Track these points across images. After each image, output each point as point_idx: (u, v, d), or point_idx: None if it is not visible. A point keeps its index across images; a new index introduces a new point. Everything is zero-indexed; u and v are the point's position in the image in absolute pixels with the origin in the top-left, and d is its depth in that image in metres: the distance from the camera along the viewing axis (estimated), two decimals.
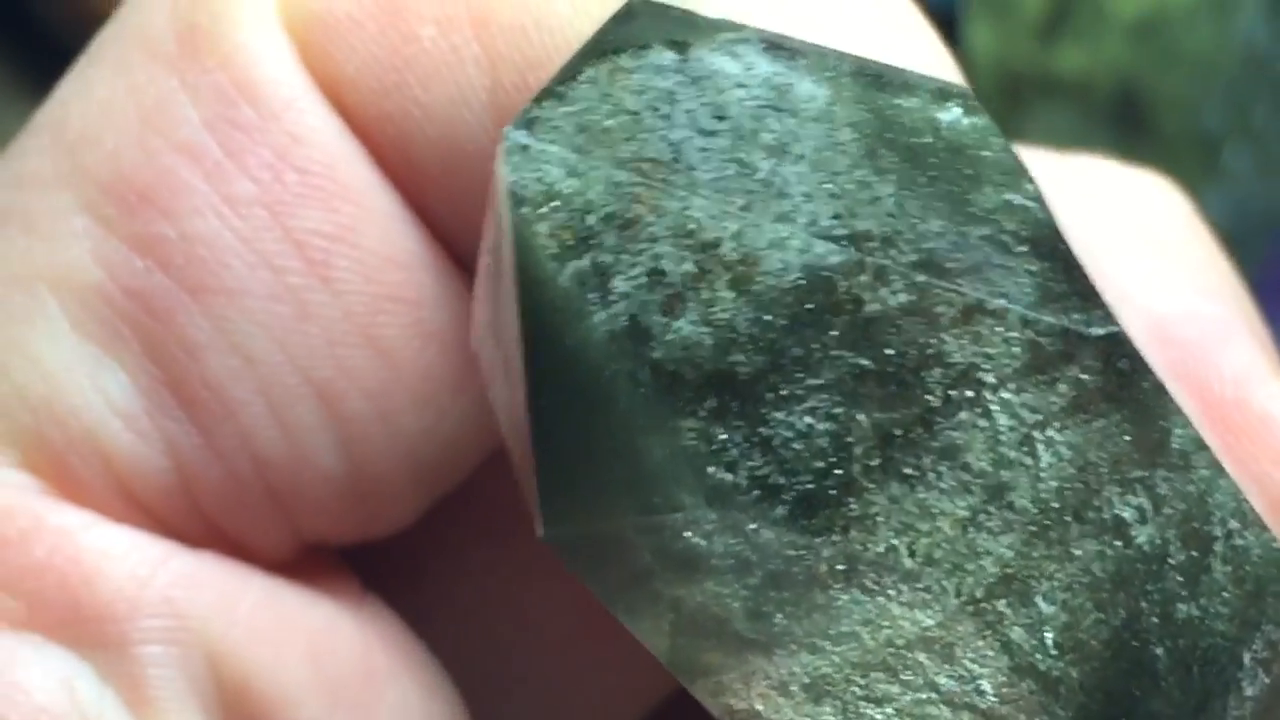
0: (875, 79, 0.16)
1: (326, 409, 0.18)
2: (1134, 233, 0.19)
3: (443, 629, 0.20)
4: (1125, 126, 0.57)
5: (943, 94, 0.16)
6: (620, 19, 0.16)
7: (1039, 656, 0.15)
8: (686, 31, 0.15)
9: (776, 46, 0.15)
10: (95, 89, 0.18)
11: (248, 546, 0.18)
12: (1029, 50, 0.58)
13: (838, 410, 0.15)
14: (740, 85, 0.15)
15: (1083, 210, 0.19)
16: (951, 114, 0.16)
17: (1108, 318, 0.15)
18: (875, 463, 0.15)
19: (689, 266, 0.15)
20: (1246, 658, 0.16)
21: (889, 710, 0.16)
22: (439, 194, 0.18)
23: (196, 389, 0.18)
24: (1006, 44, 0.58)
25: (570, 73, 0.15)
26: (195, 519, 0.18)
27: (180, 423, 0.18)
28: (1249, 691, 0.16)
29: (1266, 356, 0.19)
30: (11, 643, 0.18)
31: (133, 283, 0.18)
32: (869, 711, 0.16)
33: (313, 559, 0.19)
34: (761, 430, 0.15)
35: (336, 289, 0.18)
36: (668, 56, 0.15)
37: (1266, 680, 0.16)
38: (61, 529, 0.18)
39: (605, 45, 0.15)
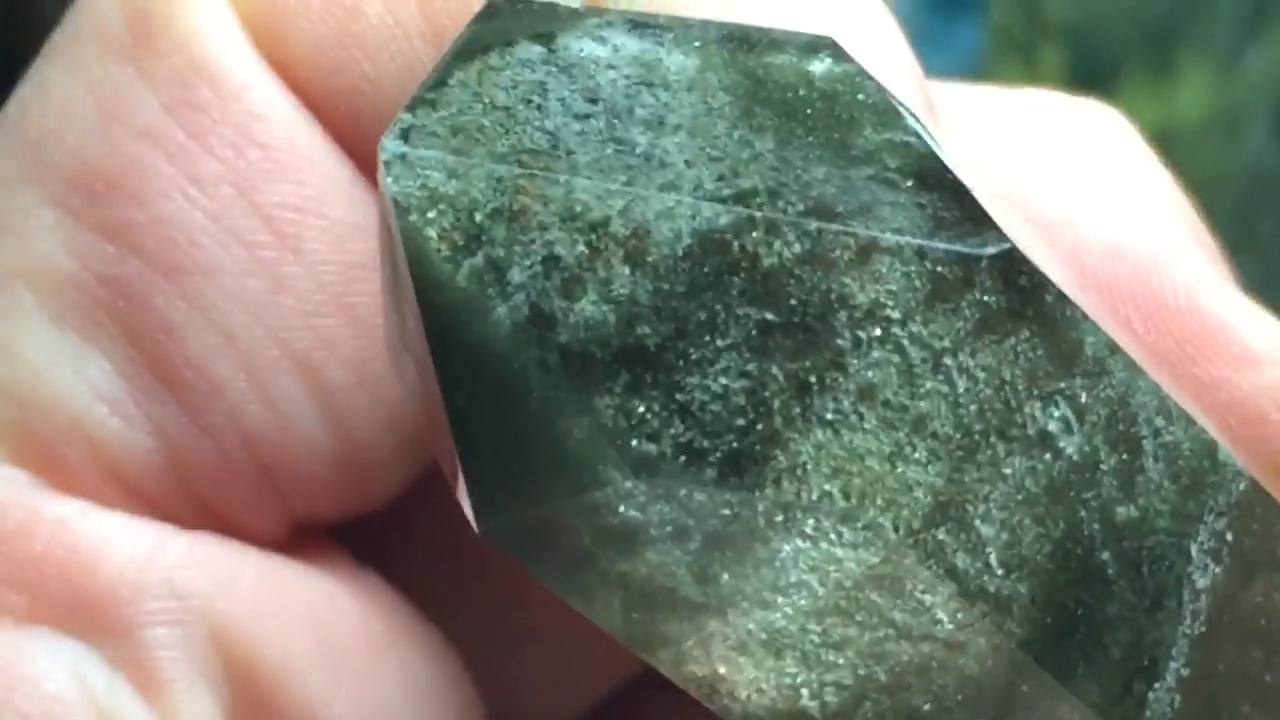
0: (742, 42, 0.16)
1: (309, 380, 0.18)
2: (1083, 159, 0.20)
3: (440, 597, 0.20)
4: None
5: (811, 47, 0.16)
6: (482, 18, 0.16)
7: (986, 579, 0.15)
8: (550, 23, 0.16)
9: (642, 25, 0.16)
10: (53, 86, 0.19)
11: (241, 525, 0.19)
12: None
13: (750, 367, 0.15)
14: (610, 66, 0.16)
15: (1032, 139, 0.19)
16: (822, 65, 0.16)
17: (1001, 237, 0.15)
18: (795, 412, 0.15)
19: (582, 248, 0.15)
20: (1193, 550, 0.16)
21: (850, 654, 0.16)
22: None
23: (179, 369, 0.18)
24: None
25: (440, 78, 0.15)
26: (188, 500, 0.18)
27: (166, 404, 0.18)
28: (1201, 583, 0.16)
29: (1216, 266, 0.19)
30: (18, 636, 0.18)
31: (106, 270, 0.18)
32: (830, 657, 0.16)
33: (306, 535, 0.19)
34: (678, 397, 0.15)
35: (309, 260, 0.18)
36: (535, 50, 0.16)
37: (1218, 569, 0.16)
38: (57, 519, 0.18)
39: (472, 46, 0.16)
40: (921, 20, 0.68)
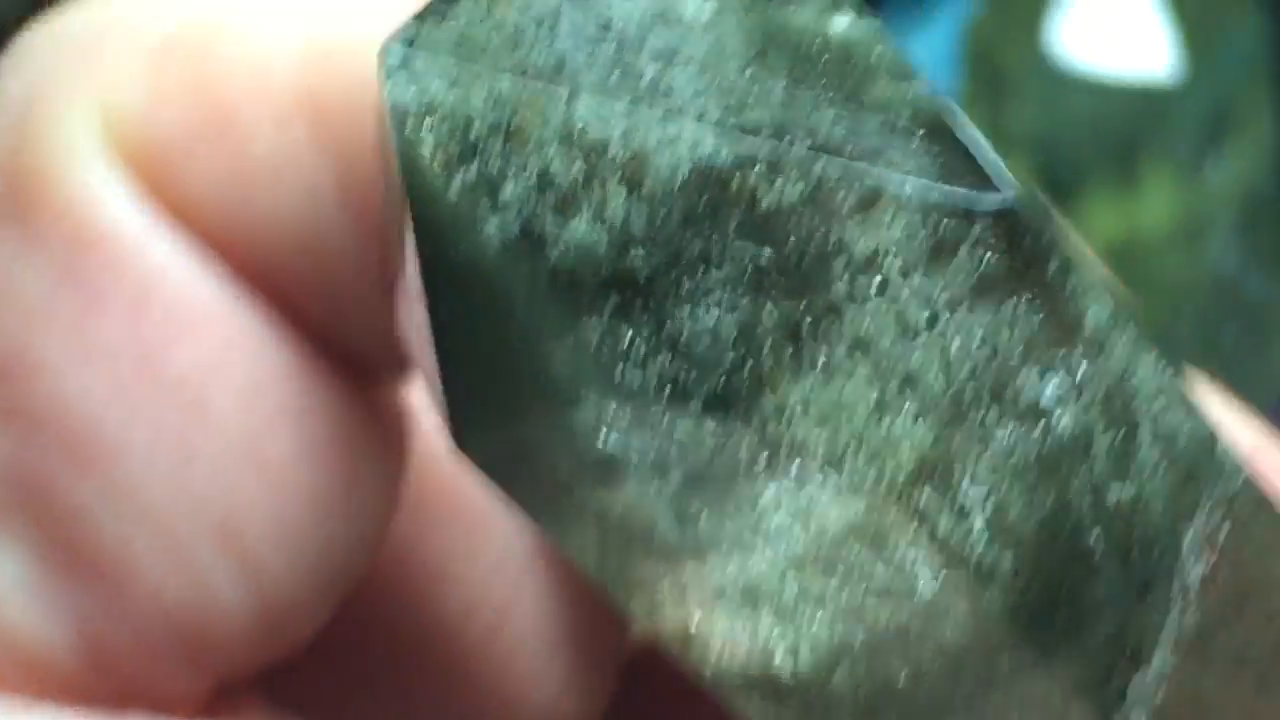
0: None
1: (227, 546, 0.17)
2: None
3: None
4: None
5: (834, 4, 0.15)
6: None
7: (969, 544, 0.15)
8: None
9: None
10: None
11: (165, 697, 0.18)
12: None
13: (743, 303, 0.15)
14: (627, 1, 0.15)
15: None
16: (843, 20, 0.15)
17: (1008, 197, 0.15)
18: (787, 355, 0.15)
19: (578, 169, 0.15)
20: (1187, 540, 0.16)
21: (828, 610, 0.15)
22: (306, 294, 0.18)
23: (94, 553, 0.17)
24: None
25: None
26: (111, 681, 0.18)
27: (81, 589, 0.17)
28: (1193, 575, 0.16)
29: None
30: None
31: (7, 458, 0.17)
32: (808, 612, 0.15)
33: (226, 692, 0.19)
34: (668, 327, 0.15)
35: (217, 423, 0.17)
36: None
37: (1211, 562, 0.16)
38: None
39: None
40: None
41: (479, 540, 0.20)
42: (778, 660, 0.15)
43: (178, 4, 0.18)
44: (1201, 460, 0.16)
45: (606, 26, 0.15)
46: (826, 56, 0.15)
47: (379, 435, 0.18)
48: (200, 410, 0.17)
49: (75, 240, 0.17)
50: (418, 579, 0.20)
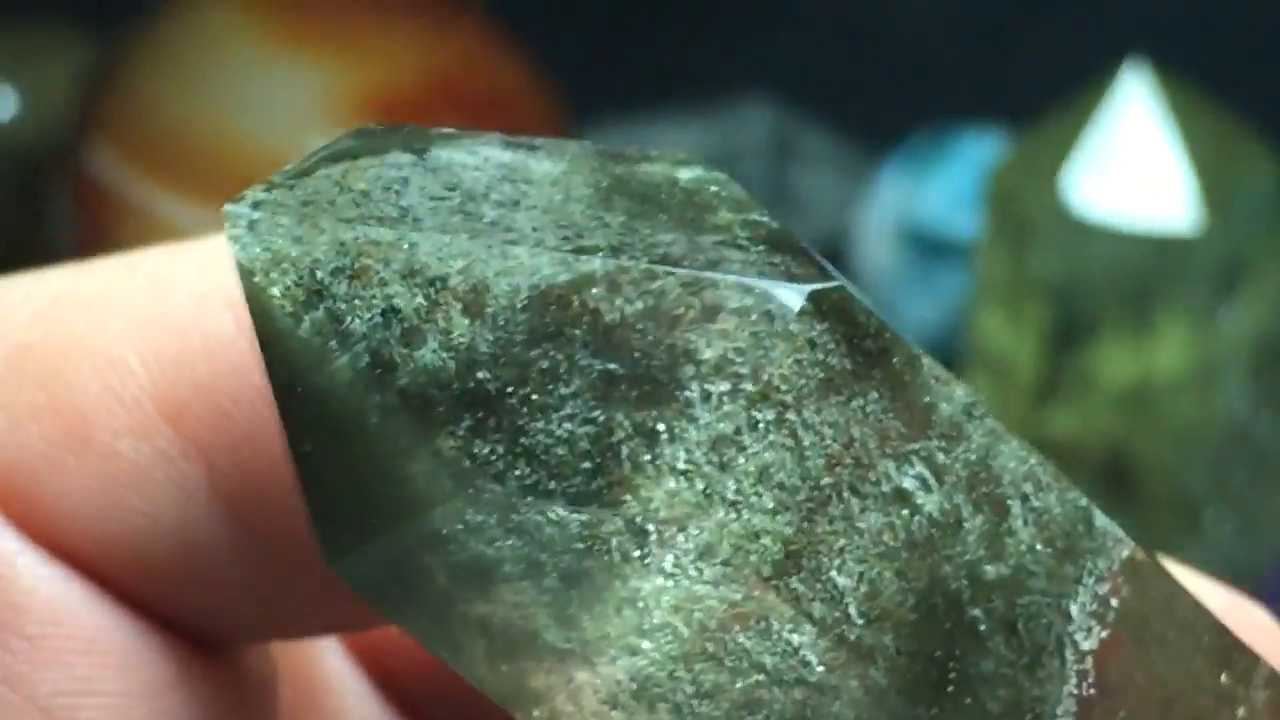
0: (615, 156, 0.16)
1: None
2: None
3: None
4: (1113, 488, 0.59)
5: (684, 161, 0.16)
6: (355, 135, 0.16)
7: (846, 628, 0.15)
8: (424, 140, 0.16)
9: (516, 144, 0.16)
10: None
11: None
12: (1024, 412, 0.59)
13: (595, 414, 0.15)
14: (476, 169, 0.16)
15: None
16: (691, 171, 0.16)
17: (845, 295, 0.15)
18: (645, 459, 0.15)
19: (420, 301, 0.15)
20: (1074, 611, 0.16)
21: (723, 703, 0.15)
22: (180, 595, 0.18)
23: None
24: (1003, 405, 0.59)
25: (303, 170, 0.16)
26: None
27: None
28: (1086, 645, 0.16)
29: None
30: None
31: None
32: (704, 709, 0.15)
33: None
34: (523, 440, 0.15)
35: None
36: (405, 157, 0.16)
37: (1104, 633, 0.16)
38: None
39: (340, 153, 0.16)
40: (906, 268, 0.69)
41: None
42: None
43: (15, 315, 0.18)
44: (1078, 535, 0.16)
45: (454, 187, 0.16)
46: (669, 197, 0.16)
47: (249, 711, 0.19)
48: None
49: None
50: None
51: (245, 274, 0.16)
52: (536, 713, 0.16)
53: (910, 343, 0.16)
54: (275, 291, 0.16)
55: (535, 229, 0.16)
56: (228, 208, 0.16)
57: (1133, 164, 0.59)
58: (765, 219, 0.16)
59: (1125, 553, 0.16)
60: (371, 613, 0.17)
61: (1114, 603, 0.16)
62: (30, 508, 0.18)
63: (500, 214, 0.16)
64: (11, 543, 0.18)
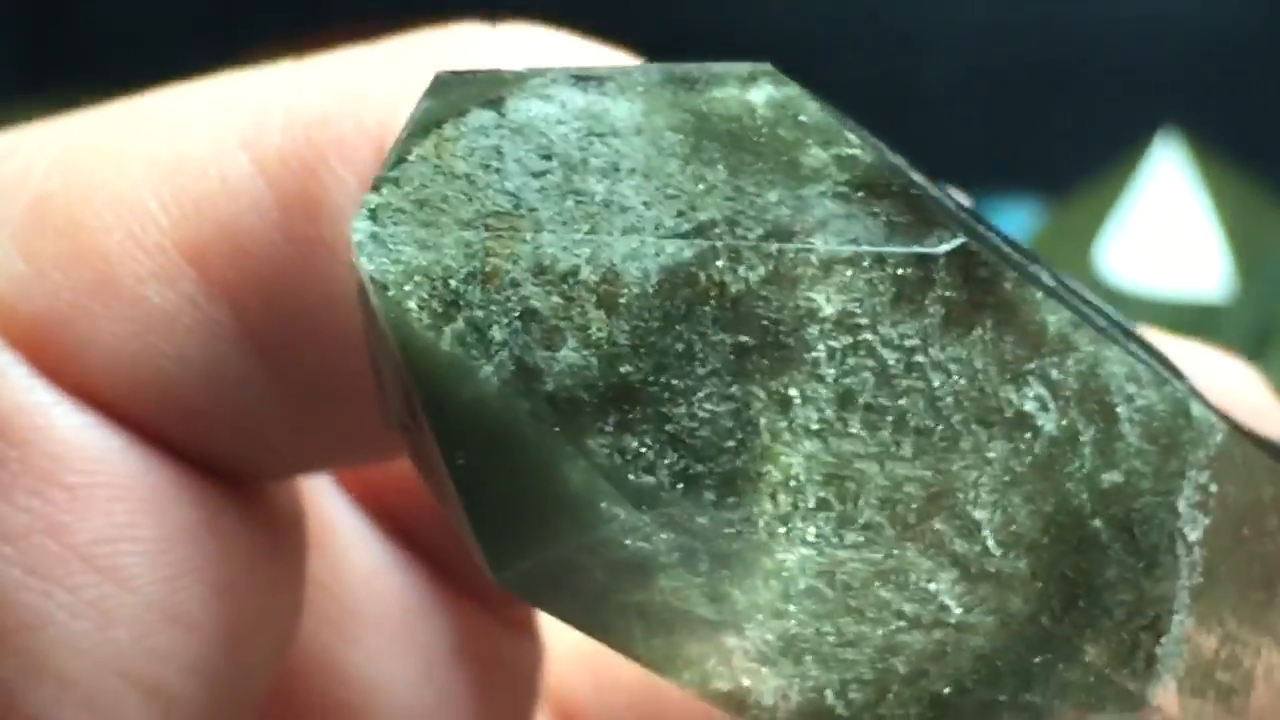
0: (683, 82, 0.16)
1: (150, 695, 0.18)
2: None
3: None
4: None
5: (750, 77, 0.16)
6: (432, 93, 0.16)
7: (985, 560, 0.16)
8: (498, 88, 0.16)
9: (585, 78, 0.16)
10: None
11: None
12: None
13: (732, 390, 0.16)
14: (559, 122, 0.16)
15: None
16: (763, 92, 0.16)
17: (954, 234, 0.16)
18: (783, 426, 0.16)
19: (556, 299, 0.16)
20: (1181, 506, 0.17)
21: (866, 650, 0.16)
22: (211, 435, 0.18)
23: None
24: None
25: (399, 155, 0.16)
26: None
27: None
28: (1193, 536, 0.17)
29: None
30: None
31: None
32: (848, 655, 0.16)
33: None
34: (668, 428, 0.16)
35: (131, 586, 0.18)
36: (486, 116, 0.16)
37: (1207, 521, 0.17)
38: None
39: (426, 122, 0.16)
40: None
41: (406, 651, 0.21)
42: (829, 701, 0.16)
43: (33, 165, 0.18)
44: (1178, 430, 0.17)
45: (548, 155, 0.16)
46: (756, 135, 0.16)
47: (280, 550, 0.19)
48: (114, 577, 0.18)
49: None
50: (349, 693, 0.21)
51: (379, 289, 0.16)
52: (687, 675, 0.16)
53: (1014, 258, 0.17)
54: (412, 305, 0.16)
55: (646, 204, 0.16)
56: (353, 224, 0.16)
57: (1165, 232, 0.60)
58: (855, 150, 0.16)
59: (1219, 437, 0.17)
60: (394, 446, 0.17)
61: (1213, 489, 0.17)
62: (60, 358, 0.18)
63: (606, 187, 0.16)
64: (45, 394, 0.18)
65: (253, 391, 0.18)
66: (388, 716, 0.21)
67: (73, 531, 0.18)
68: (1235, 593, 0.17)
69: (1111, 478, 0.16)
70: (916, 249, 0.16)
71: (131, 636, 0.18)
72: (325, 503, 0.21)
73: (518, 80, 0.16)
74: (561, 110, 0.16)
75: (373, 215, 0.16)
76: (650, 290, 0.16)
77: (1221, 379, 0.20)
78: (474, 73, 0.16)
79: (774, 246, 0.16)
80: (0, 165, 0.18)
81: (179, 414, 0.18)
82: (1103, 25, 0.76)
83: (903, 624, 0.16)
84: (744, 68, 0.16)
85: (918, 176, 0.16)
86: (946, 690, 0.16)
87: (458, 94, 0.16)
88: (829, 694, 0.16)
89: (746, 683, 0.16)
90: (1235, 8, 0.75)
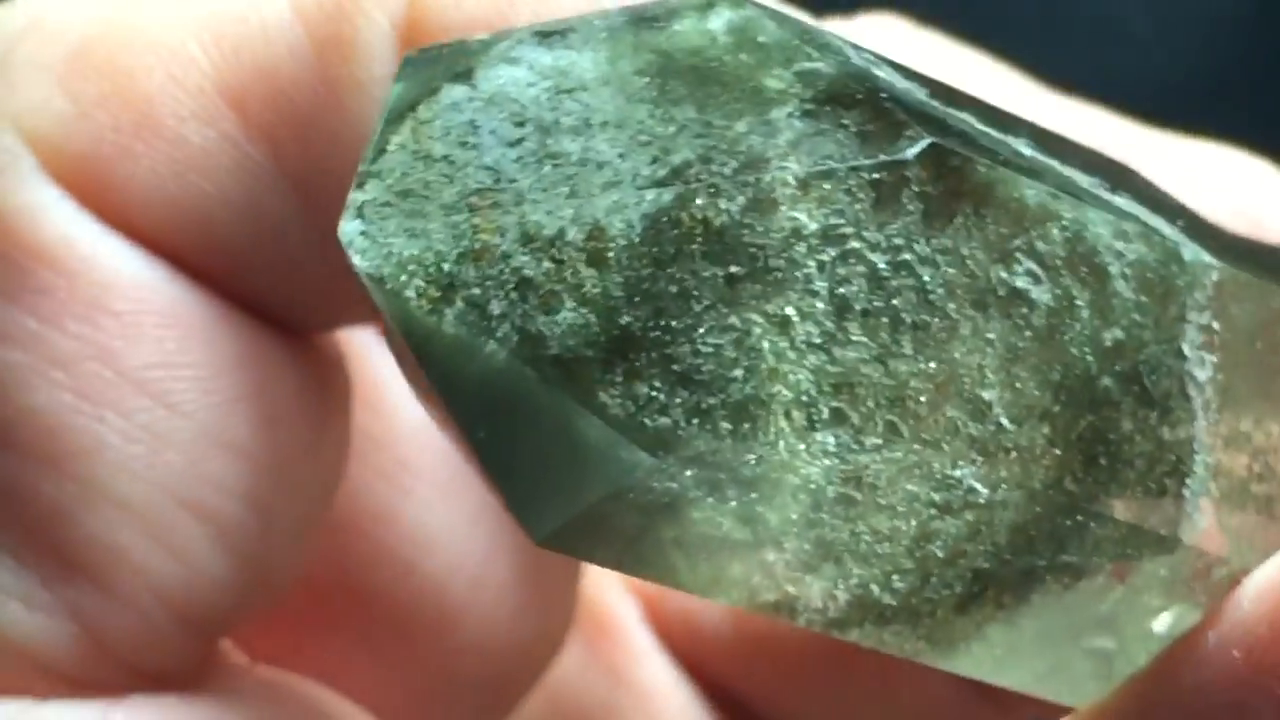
0: (644, 20, 0.16)
1: (206, 523, 0.19)
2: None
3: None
4: None
5: (708, 3, 0.17)
6: (403, 75, 0.17)
7: (1003, 437, 0.16)
8: (466, 59, 0.16)
9: (548, 34, 0.17)
10: None
11: (165, 673, 0.19)
12: None
13: (731, 320, 0.16)
14: (529, 85, 0.16)
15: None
16: (721, 18, 0.16)
17: (921, 133, 0.16)
18: (785, 346, 0.16)
19: (548, 265, 0.16)
20: (1186, 349, 0.17)
21: (903, 543, 0.17)
22: (252, 274, 0.19)
23: (82, 549, 0.18)
24: None
25: (378, 147, 0.16)
26: (115, 668, 0.19)
27: (76, 585, 0.18)
28: (1203, 376, 0.17)
29: None
30: None
31: None
32: (886, 550, 0.17)
33: (219, 657, 0.20)
34: (675, 369, 0.16)
35: (183, 411, 0.18)
36: (458, 90, 0.16)
37: (1213, 358, 0.17)
38: None
39: (399, 107, 0.16)
40: None
41: (455, 499, 0.21)
42: (876, 594, 0.17)
43: (75, 14, 0.19)
44: (1172, 277, 0.17)
45: (521, 121, 0.16)
46: (719, 66, 0.16)
47: (326, 392, 0.20)
48: (166, 402, 0.18)
49: (21, 260, 0.18)
50: (402, 543, 0.21)
51: (376, 284, 0.16)
52: (735, 594, 0.17)
53: (990, 135, 0.17)
54: (410, 294, 0.16)
55: (621, 155, 0.16)
56: (341, 226, 0.16)
57: None
58: (816, 63, 0.16)
59: (1215, 276, 0.17)
60: None
61: (1216, 326, 0.17)
62: (104, 195, 0.18)
63: (581, 145, 0.16)
64: (91, 226, 0.18)
65: (290, 231, 0.19)
66: (439, 564, 0.21)
67: (123, 357, 0.18)
68: (1257, 408, 0.17)
69: (1113, 335, 0.17)
70: (885, 158, 0.16)
71: (184, 461, 0.18)
72: (374, 359, 0.21)
73: (484, 48, 0.17)
74: (529, 72, 0.16)
75: (359, 213, 0.16)
76: (636, 239, 0.16)
77: (1238, 179, 0.20)
78: (440, 47, 0.17)
79: (750, 176, 0.16)
80: (45, 12, 0.19)
81: (220, 252, 0.19)
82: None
83: (934, 512, 0.16)
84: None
85: (883, 73, 0.17)
86: (986, 565, 0.17)
87: (427, 72, 0.17)
88: (874, 588, 0.17)
89: (793, 590, 0.17)
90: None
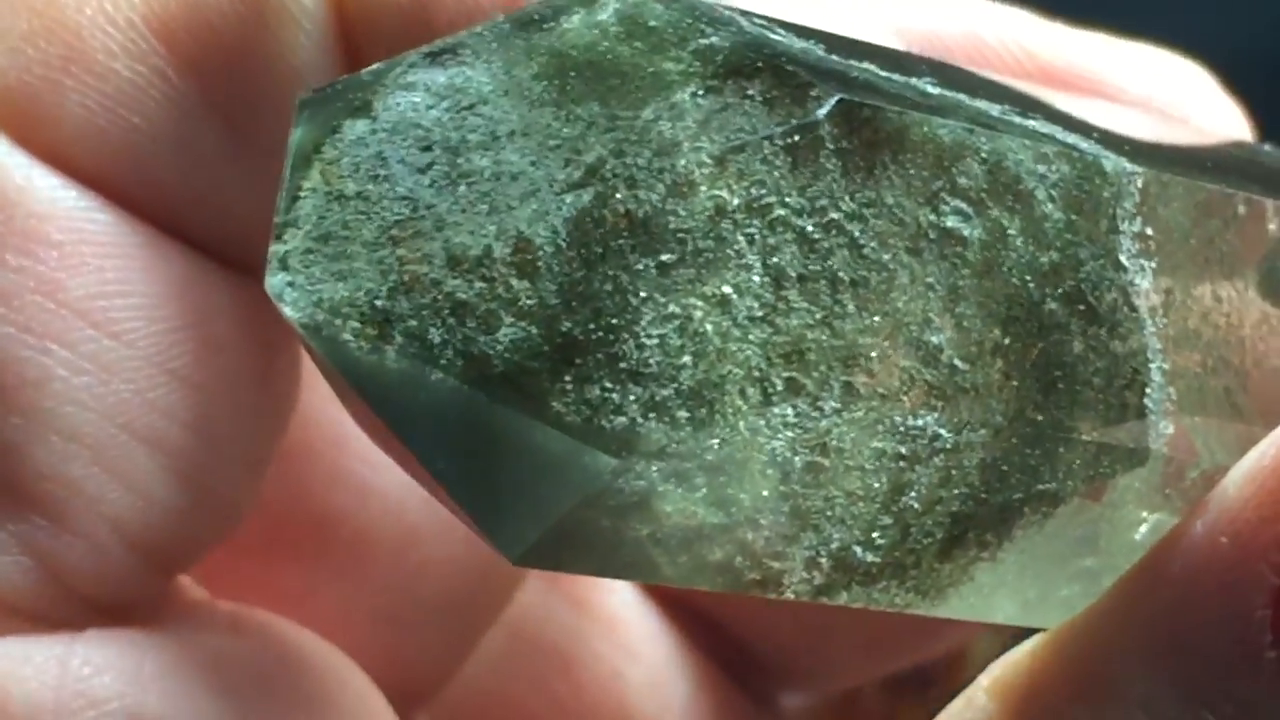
0: (532, 24, 0.16)
1: (156, 450, 0.19)
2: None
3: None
4: None
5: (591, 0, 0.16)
6: (302, 118, 0.16)
7: (959, 378, 0.16)
8: (362, 92, 0.16)
9: (439, 53, 0.16)
10: None
11: (122, 605, 0.19)
12: None
13: (671, 308, 0.16)
14: (429, 107, 0.16)
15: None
16: (607, 9, 0.16)
17: (828, 90, 0.16)
18: (728, 325, 0.16)
19: (479, 284, 0.16)
20: (1124, 259, 0.17)
21: (877, 500, 0.17)
22: (185, 206, 0.19)
23: (34, 483, 0.18)
24: None
25: (290, 194, 0.16)
26: (73, 603, 0.19)
27: (30, 520, 0.18)
28: (1144, 284, 0.17)
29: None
30: None
31: None
32: (860, 509, 0.17)
33: (175, 589, 0.20)
34: (622, 366, 0.16)
35: (128, 340, 0.18)
36: (360, 125, 0.16)
37: (1152, 264, 0.17)
38: None
39: (304, 150, 0.16)
40: None
41: None
42: (859, 555, 0.17)
43: None
44: (1098, 190, 0.17)
45: (428, 146, 0.16)
46: (614, 58, 0.16)
47: (272, 323, 0.19)
48: (110, 331, 0.18)
49: None
50: (356, 464, 0.21)
51: (312, 333, 0.16)
52: (720, 580, 0.17)
53: (894, 81, 0.17)
54: (348, 337, 0.16)
55: (533, 163, 0.16)
56: (267, 280, 0.16)
57: None
58: (710, 39, 0.16)
59: (1140, 181, 0.17)
60: None
61: (1149, 231, 0.17)
62: (34, 129, 0.18)
63: (491, 160, 0.16)
64: (21, 159, 0.18)
65: (222, 165, 0.19)
66: (394, 483, 0.21)
67: (65, 288, 0.18)
68: (1200, 304, 0.17)
69: (1049, 258, 0.17)
70: (796, 122, 0.16)
71: (132, 390, 0.18)
72: None
73: (377, 78, 0.16)
74: (427, 94, 0.16)
75: (283, 265, 0.16)
76: (563, 244, 0.16)
77: (1169, 81, 0.20)
78: (333, 84, 0.17)
79: (665, 162, 0.16)
80: None
81: (153, 185, 0.19)
82: None
83: (903, 464, 0.16)
84: None
85: (778, 36, 0.16)
86: (963, 508, 0.17)
87: (325, 111, 0.16)
88: (856, 549, 0.17)
89: (776, 565, 0.17)
90: None
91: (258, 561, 0.21)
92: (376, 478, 0.21)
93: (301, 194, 0.16)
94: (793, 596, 0.17)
